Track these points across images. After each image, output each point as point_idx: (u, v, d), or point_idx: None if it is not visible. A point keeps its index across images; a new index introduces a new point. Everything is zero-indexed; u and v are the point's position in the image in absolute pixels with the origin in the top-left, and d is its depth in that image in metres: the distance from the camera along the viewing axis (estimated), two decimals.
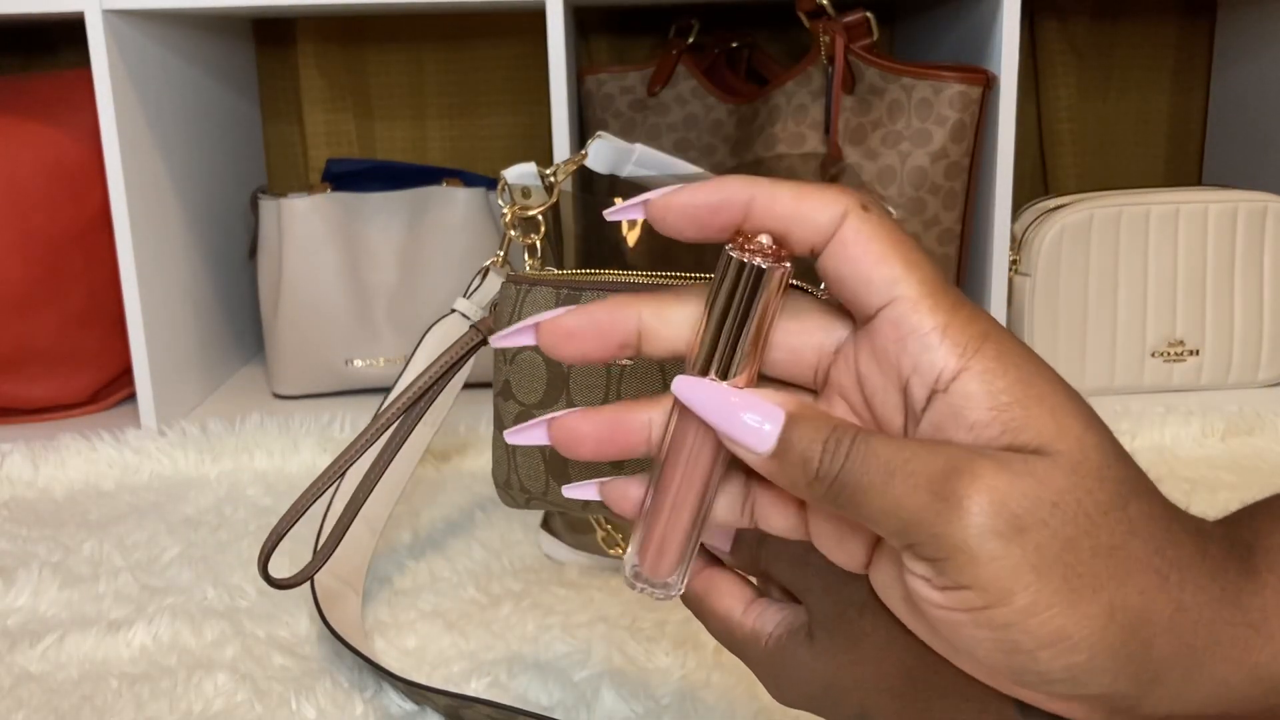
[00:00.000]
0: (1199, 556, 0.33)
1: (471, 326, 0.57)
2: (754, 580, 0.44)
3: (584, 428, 0.37)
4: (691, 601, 0.45)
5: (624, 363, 0.48)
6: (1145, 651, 0.32)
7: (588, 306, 0.36)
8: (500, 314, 0.54)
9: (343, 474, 0.54)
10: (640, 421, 0.37)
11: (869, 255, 0.33)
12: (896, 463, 0.32)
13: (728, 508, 0.38)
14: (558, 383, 0.50)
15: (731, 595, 0.43)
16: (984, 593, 0.31)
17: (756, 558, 0.42)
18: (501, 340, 0.37)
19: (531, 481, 0.52)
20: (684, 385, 0.35)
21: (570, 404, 0.49)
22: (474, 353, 0.57)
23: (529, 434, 0.38)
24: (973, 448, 0.32)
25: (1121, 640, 0.31)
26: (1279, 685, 0.33)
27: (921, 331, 0.33)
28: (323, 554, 0.55)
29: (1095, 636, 0.31)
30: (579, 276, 0.52)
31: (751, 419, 0.34)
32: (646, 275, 0.49)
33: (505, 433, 0.37)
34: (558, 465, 0.50)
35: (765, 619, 0.42)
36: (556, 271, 0.54)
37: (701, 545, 0.44)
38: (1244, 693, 0.33)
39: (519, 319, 0.53)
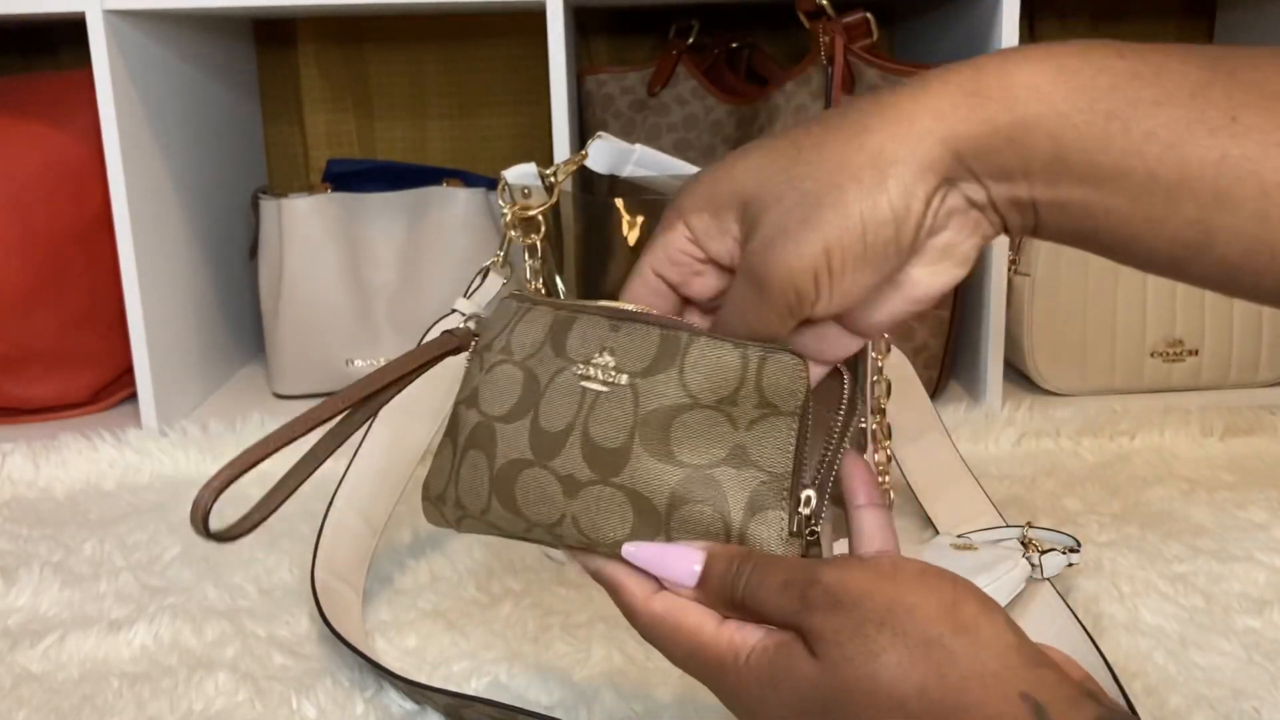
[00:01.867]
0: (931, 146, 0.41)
1: (445, 332, 0.55)
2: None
3: None
4: (652, 623, 0.44)
5: (598, 388, 0.47)
6: (902, 176, 0.41)
7: None
8: (489, 329, 0.52)
9: (287, 443, 0.52)
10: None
11: None
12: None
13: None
14: (529, 401, 0.49)
15: (700, 612, 0.43)
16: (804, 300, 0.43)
17: (732, 589, 0.42)
18: None
19: (470, 498, 0.49)
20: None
21: (535, 422, 0.48)
22: (443, 358, 0.55)
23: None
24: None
25: (876, 182, 0.41)
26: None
27: None
28: (267, 506, 0.54)
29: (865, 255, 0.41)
30: (577, 304, 0.51)
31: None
32: (634, 307, 0.49)
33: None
34: (505, 486, 0.48)
35: (745, 633, 0.41)
36: (559, 299, 0.52)
37: (659, 581, 0.44)
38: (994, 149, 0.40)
39: (506, 339, 0.51)
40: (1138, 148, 0.38)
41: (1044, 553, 0.71)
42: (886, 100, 0.42)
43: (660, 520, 0.45)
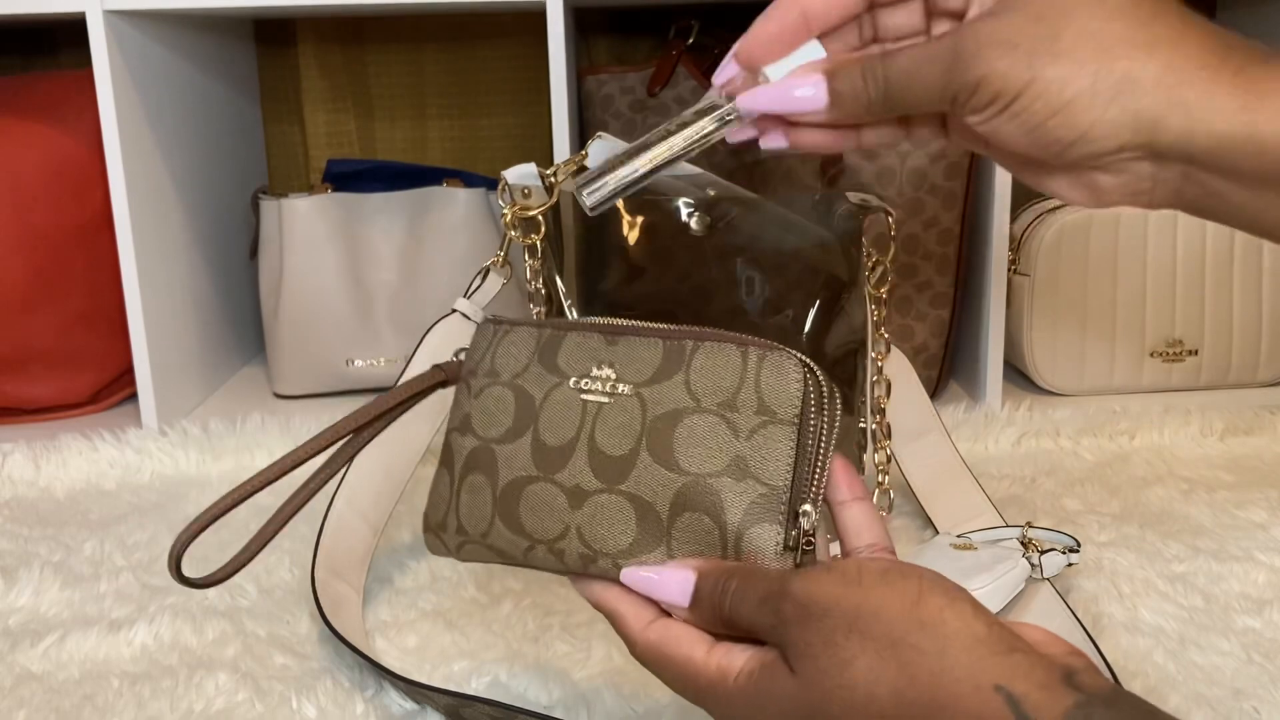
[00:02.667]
0: (1196, 34, 0.43)
1: (434, 367, 0.56)
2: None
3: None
4: (648, 652, 0.45)
5: (600, 399, 0.48)
6: (1136, 103, 0.42)
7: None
8: (472, 355, 0.53)
9: (273, 480, 0.53)
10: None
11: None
12: (918, 60, 0.46)
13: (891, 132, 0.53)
14: (525, 419, 0.49)
15: (690, 640, 0.43)
16: (1002, 95, 0.43)
17: (719, 606, 0.42)
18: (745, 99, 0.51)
19: (472, 521, 0.50)
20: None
21: (537, 439, 0.49)
22: (431, 391, 0.56)
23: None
24: (971, 19, 0.46)
25: (1111, 96, 0.42)
26: (1273, 146, 0.41)
27: None
28: (249, 551, 0.55)
29: (1088, 93, 0.42)
30: (560, 322, 0.52)
31: (801, 92, 0.49)
32: (627, 321, 0.50)
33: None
34: (509, 504, 0.48)
35: (731, 656, 0.42)
36: (538, 319, 0.53)
37: (656, 605, 0.45)
38: (1244, 150, 0.42)
39: (490, 362, 0.52)
40: None
41: (1044, 552, 0.71)
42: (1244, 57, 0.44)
43: (662, 528, 0.45)
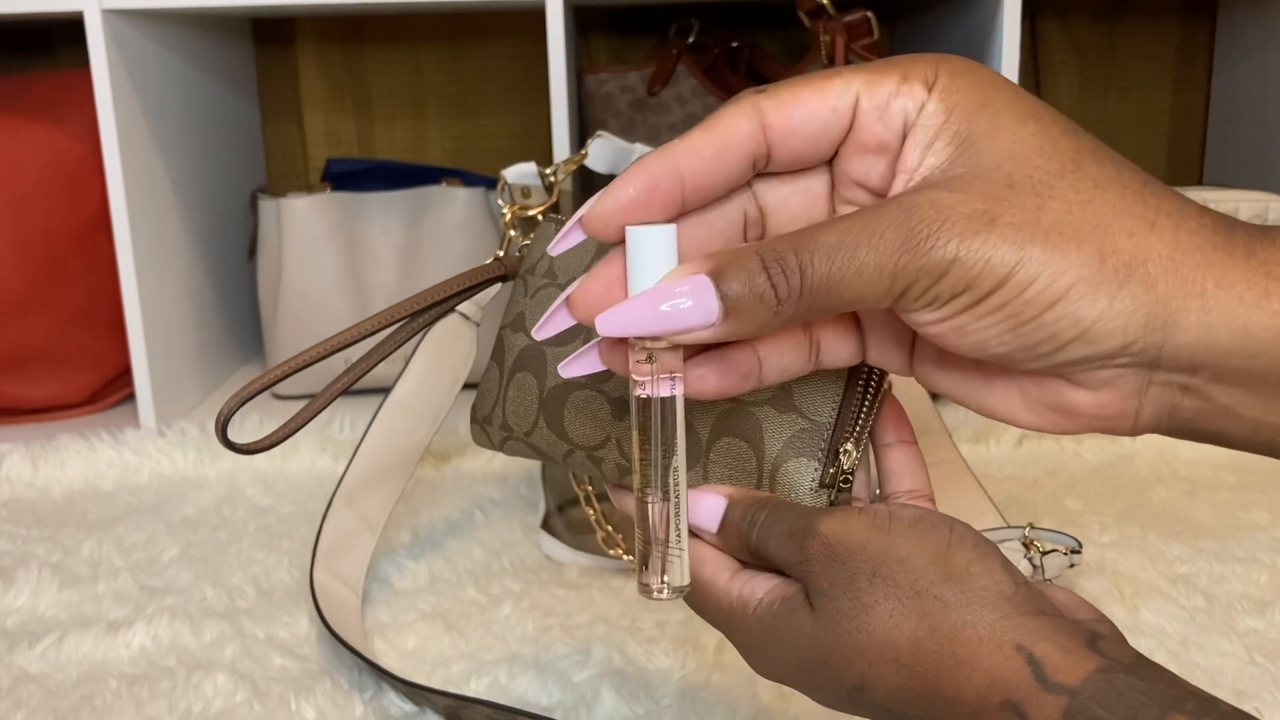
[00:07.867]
0: (1193, 209, 0.34)
1: (494, 259, 0.56)
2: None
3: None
4: None
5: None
6: (1149, 292, 0.33)
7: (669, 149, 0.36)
8: (532, 253, 0.53)
9: (323, 358, 0.54)
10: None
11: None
12: (850, 237, 0.34)
13: (797, 361, 0.40)
14: (579, 325, 0.50)
15: (715, 564, 0.43)
16: (979, 283, 0.33)
17: (746, 536, 0.42)
18: (558, 244, 0.38)
19: (517, 419, 0.50)
20: (608, 316, 0.36)
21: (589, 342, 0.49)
22: (489, 285, 0.56)
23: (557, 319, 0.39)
24: (917, 186, 0.35)
25: (1120, 280, 0.33)
26: None
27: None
28: (293, 424, 0.55)
29: (1093, 280, 0.33)
30: None
31: (684, 312, 0.34)
32: None
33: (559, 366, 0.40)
34: (554, 407, 0.49)
35: (754, 585, 0.41)
36: None
37: None
38: (1268, 342, 0.33)
39: (549, 263, 0.52)
40: None
41: (1045, 553, 0.70)
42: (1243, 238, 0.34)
43: (700, 449, 0.45)
